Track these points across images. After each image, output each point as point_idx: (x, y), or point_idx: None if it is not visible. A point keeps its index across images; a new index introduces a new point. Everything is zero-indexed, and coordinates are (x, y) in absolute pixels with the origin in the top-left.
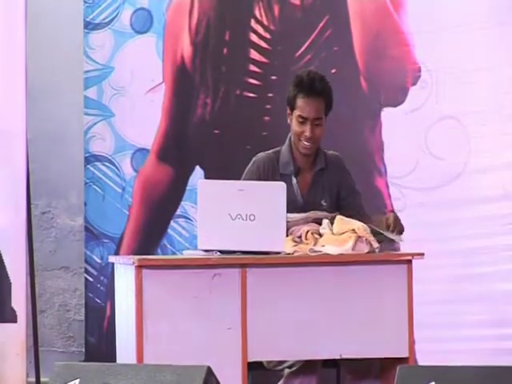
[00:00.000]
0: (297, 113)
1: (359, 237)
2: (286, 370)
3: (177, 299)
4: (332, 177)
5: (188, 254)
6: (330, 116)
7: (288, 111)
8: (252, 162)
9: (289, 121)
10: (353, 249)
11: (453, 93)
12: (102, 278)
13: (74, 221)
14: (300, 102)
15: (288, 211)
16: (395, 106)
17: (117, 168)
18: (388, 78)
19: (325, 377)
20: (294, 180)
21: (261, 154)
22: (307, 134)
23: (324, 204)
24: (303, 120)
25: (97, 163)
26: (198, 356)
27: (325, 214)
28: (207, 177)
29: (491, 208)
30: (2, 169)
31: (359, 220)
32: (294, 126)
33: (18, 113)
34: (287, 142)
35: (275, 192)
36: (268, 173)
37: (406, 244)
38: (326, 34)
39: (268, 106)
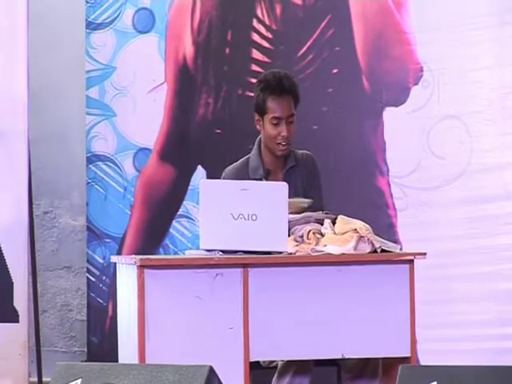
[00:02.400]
0: (270, 116)
1: (361, 237)
2: (280, 363)
3: (179, 299)
4: (302, 173)
5: (190, 253)
6: (332, 115)
7: (257, 117)
8: (222, 177)
9: (258, 127)
10: (355, 249)
11: (455, 92)
12: (104, 277)
13: (76, 220)
14: (271, 103)
15: None
16: (397, 105)
17: (119, 168)
18: (390, 77)
19: (324, 375)
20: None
21: (229, 168)
22: (284, 133)
23: None
24: (278, 121)
25: (99, 163)
26: (200, 356)
27: (326, 214)
28: (209, 176)
29: (493, 207)
30: (4, 168)
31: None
32: (269, 129)
33: (20, 112)
34: (255, 147)
35: (277, 192)
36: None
37: (408, 244)
38: (327, 34)
39: None
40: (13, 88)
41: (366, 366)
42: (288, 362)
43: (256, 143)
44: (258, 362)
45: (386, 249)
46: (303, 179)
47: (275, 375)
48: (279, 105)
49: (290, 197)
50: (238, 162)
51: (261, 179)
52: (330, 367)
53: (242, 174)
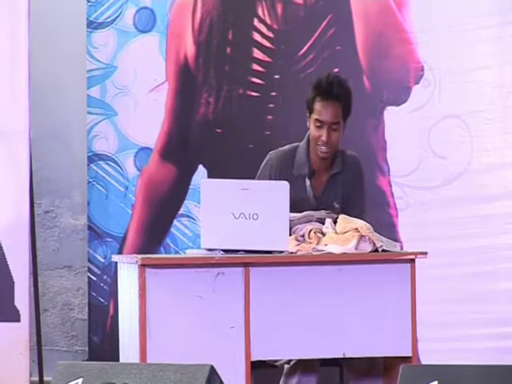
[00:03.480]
0: (314, 116)
1: (362, 236)
2: (286, 366)
3: (180, 298)
4: (347, 180)
5: (191, 253)
6: None
7: (307, 114)
8: (266, 160)
9: (308, 123)
10: (356, 248)
11: (456, 92)
12: (105, 277)
13: (77, 220)
14: (317, 105)
15: (299, 210)
16: (398, 104)
17: (120, 167)
18: (391, 76)
19: (327, 375)
20: (308, 182)
21: (275, 152)
22: (324, 138)
23: (336, 206)
24: (320, 124)
25: (100, 162)
26: (202, 355)
27: (327, 214)
28: (210, 176)
29: (494, 207)
30: (5, 168)
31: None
32: (312, 129)
33: (21, 112)
34: (305, 140)
35: (278, 191)
36: (280, 174)
37: (409, 243)
38: (329, 33)
39: (271, 105)
40: (14, 87)
41: (371, 366)
42: (295, 362)
43: (305, 138)
44: (259, 362)
45: (386, 249)
46: (345, 187)
47: (282, 377)
48: (324, 108)
49: (328, 201)
50: (285, 148)
51: (304, 177)
52: (333, 367)
53: (287, 164)
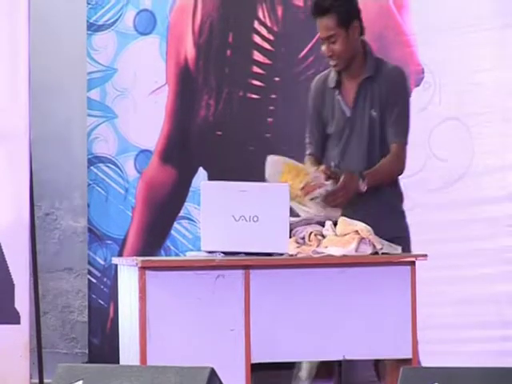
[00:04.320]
0: None
1: (362, 238)
2: (301, 368)
3: (180, 300)
4: (383, 87)
5: (191, 255)
6: None
7: None
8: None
9: None
10: (356, 250)
11: (456, 94)
12: (105, 279)
13: (78, 222)
14: (317, 23)
15: (332, 129)
16: None
17: (120, 169)
18: None
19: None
20: (337, 92)
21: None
22: (325, 53)
23: (374, 114)
24: (322, 41)
25: (100, 164)
26: (202, 357)
27: (327, 215)
28: (210, 178)
29: (494, 209)
30: (6, 170)
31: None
32: None
33: (22, 114)
34: None
35: (278, 193)
36: (319, 93)
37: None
38: None
39: (271, 108)
40: (14, 89)
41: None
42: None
43: None
44: (260, 364)
45: (386, 251)
46: (382, 94)
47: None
48: (319, 26)
49: (364, 110)
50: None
51: (334, 88)
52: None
53: (324, 83)
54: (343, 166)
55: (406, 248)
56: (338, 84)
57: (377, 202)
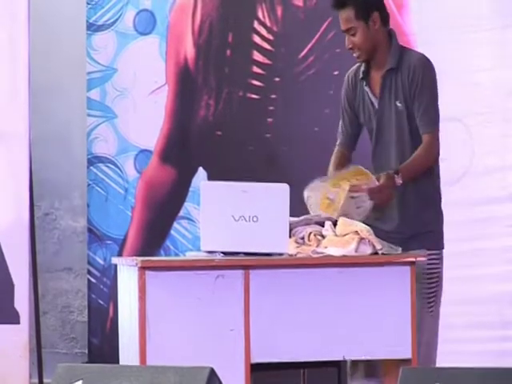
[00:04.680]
0: None
1: (362, 238)
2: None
3: (180, 300)
4: (406, 77)
5: (191, 255)
6: (333, 117)
7: None
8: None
9: None
10: (356, 250)
11: (456, 94)
12: (104, 279)
13: (77, 222)
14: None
15: (364, 120)
16: None
17: (120, 169)
18: None
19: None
20: (364, 83)
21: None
22: (347, 46)
23: (399, 105)
24: (343, 32)
25: (100, 164)
26: (201, 357)
27: (326, 217)
28: (210, 178)
29: (494, 209)
30: (5, 170)
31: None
32: None
33: (21, 114)
34: None
35: (278, 193)
36: (352, 84)
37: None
38: (328, 36)
39: (271, 108)
40: (14, 89)
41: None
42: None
43: None
44: (260, 364)
45: (386, 252)
46: (405, 84)
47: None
48: (340, 18)
49: (390, 101)
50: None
51: (362, 80)
52: (332, 368)
53: (356, 75)
54: (375, 160)
55: (440, 242)
56: (366, 75)
57: (414, 194)
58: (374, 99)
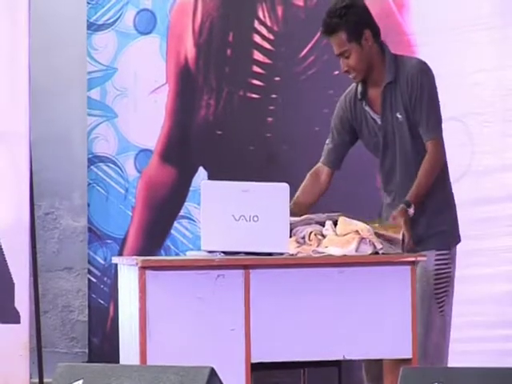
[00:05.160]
0: None
1: (362, 238)
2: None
3: (180, 300)
4: (404, 87)
5: (191, 254)
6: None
7: None
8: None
9: None
10: (356, 250)
11: (456, 94)
12: (105, 278)
13: (78, 222)
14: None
15: (370, 140)
16: None
17: (120, 169)
18: None
19: (326, 375)
20: (363, 103)
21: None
22: (342, 69)
23: (399, 117)
24: (337, 56)
25: (100, 164)
26: (202, 357)
27: (327, 216)
28: (211, 178)
29: (494, 209)
30: (6, 169)
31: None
32: None
33: (22, 114)
34: None
35: (279, 193)
36: (350, 105)
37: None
38: None
39: (271, 107)
40: (14, 89)
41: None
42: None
43: None
44: (260, 364)
45: (386, 252)
46: (403, 94)
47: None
48: (332, 43)
49: (391, 114)
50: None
51: (360, 100)
52: (332, 368)
53: (354, 94)
54: (383, 175)
55: (450, 242)
56: (363, 95)
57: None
58: (376, 116)
